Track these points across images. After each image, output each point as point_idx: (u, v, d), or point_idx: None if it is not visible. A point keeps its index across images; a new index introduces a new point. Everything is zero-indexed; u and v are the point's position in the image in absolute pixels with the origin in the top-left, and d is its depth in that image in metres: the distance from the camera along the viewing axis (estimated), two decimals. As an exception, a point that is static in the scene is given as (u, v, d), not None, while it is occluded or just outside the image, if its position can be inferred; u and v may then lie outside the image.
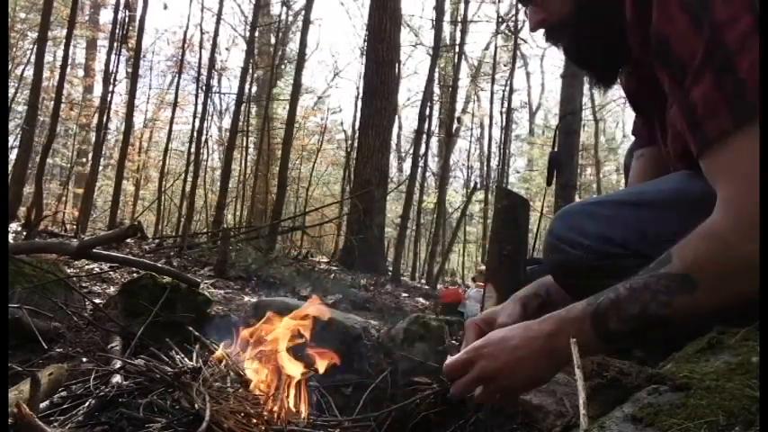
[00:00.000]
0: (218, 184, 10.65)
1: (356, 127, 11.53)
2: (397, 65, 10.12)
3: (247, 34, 11.29)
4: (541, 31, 1.07)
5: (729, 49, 0.77)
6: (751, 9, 0.77)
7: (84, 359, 1.44)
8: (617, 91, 1.29)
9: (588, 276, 1.04)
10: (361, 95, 10.56)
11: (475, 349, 0.91)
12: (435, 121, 15.86)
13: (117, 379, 1.13)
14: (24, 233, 5.60)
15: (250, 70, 10.68)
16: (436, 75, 13.32)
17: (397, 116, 15.18)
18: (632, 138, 1.37)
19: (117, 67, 11.53)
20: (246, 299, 3.35)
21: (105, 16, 18.75)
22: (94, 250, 2.16)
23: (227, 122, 14.85)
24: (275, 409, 1.13)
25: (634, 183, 1.32)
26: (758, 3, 0.77)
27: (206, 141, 13.22)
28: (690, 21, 0.80)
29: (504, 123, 13.32)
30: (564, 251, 1.06)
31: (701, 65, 0.79)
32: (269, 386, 1.21)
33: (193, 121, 11.49)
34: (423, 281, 10.43)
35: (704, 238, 0.81)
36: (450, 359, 0.94)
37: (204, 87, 11.12)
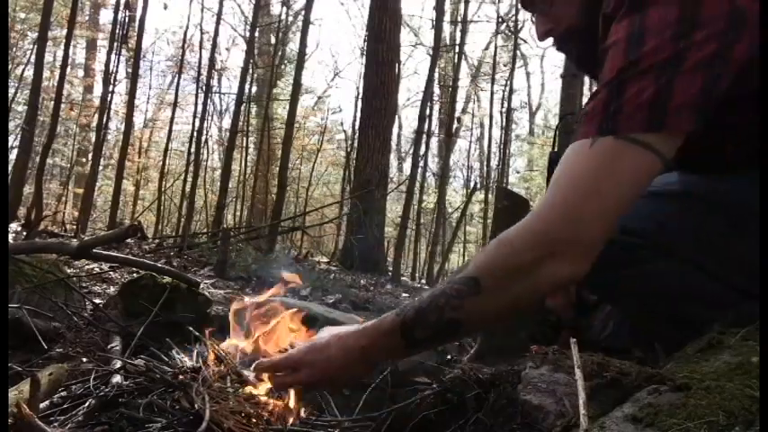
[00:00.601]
0: (218, 184, 10.65)
1: (356, 127, 11.53)
2: (397, 65, 10.11)
3: (247, 34, 11.30)
4: (550, 39, 1.06)
5: (639, 69, 0.78)
6: (673, 41, 0.78)
7: (84, 359, 1.44)
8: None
9: (604, 266, 1.04)
10: (361, 95, 10.56)
11: (297, 356, 0.99)
12: (435, 121, 15.87)
13: (117, 379, 1.13)
14: (24, 233, 5.60)
15: (250, 70, 10.67)
16: (436, 75, 13.30)
17: (397, 116, 15.20)
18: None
19: (117, 67, 11.55)
20: (246, 299, 3.35)
21: (105, 16, 18.75)
22: (95, 250, 2.16)
23: (227, 122, 14.87)
24: (275, 409, 1.13)
25: None
26: (684, 34, 0.77)
27: (206, 141, 13.22)
28: (626, 40, 0.82)
29: (504, 123, 13.32)
30: None
31: (614, 77, 0.81)
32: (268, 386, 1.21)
33: (193, 122, 11.49)
34: (423, 281, 10.42)
35: (498, 242, 0.84)
36: (269, 359, 1.05)
37: (204, 87, 11.13)
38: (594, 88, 1.13)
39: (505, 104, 13.51)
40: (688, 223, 0.96)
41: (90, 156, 11.99)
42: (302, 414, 1.15)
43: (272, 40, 14.64)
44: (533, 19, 1.08)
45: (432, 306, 0.84)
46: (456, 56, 12.30)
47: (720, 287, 0.92)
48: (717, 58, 0.76)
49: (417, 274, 12.57)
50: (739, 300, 0.85)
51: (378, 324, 0.92)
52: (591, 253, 0.80)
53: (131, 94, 10.55)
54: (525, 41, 12.84)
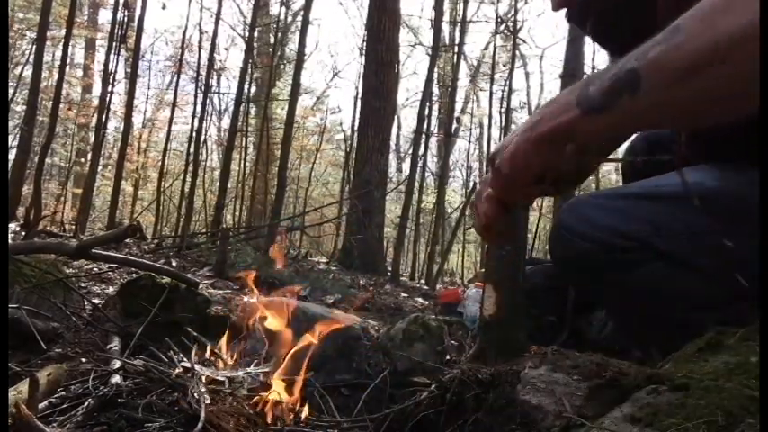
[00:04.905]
0: (218, 184, 10.63)
1: (355, 127, 11.52)
2: (396, 65, 10.11)
3: (246, 34, 11.29)
4: (562, 12, 1.02)
5: None
6: None
7: (83, 359, 1.44)
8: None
9: (597, 269, 1.03)
10: (360, 95, 10.55)
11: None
12: (435, 122, 15.86)
13: (116, 379, 1.13)
14: (23, 233, 5.59)
15: (249, 70, 10.66)
16: (435, 75, 13.29)
17: (396, 116, 15.19)
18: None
19: (116, 67, 11.49)
20: (246, 299, 3.34)
21: (104, 16, 18.71)
22: (93, 250, 2.16)
23: (226, 123, 14.88)
24: (274, 410, 1.12)
25: None
26: None
27: (205, 141, 13.20)
28: None
29: (503, 123, 13.30)
30: (573, 243, 1.04)
31: None
32: (267, 387, 1.21)
33: (192, 122, 11.47)
34: (422, 281, 10.42)
35: None
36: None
37: (203, 87, 11.11)
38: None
39: (505, 104, 13.49)
40: (681, 225, 0.95)
41: (89, 156, 11.98)
42: (302, 415, 1.15)
43: (271, 41, 14.64)
44: None
45: (609, 66, 0.70)
46: (455, 56, 12.29)
47: (715, 288, 0.91)
48: None
49: (417, 274, 12.55)
50: (735, 301, 0.84)
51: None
52: None
53: (130, 93, 10.54)
54: (524, 41, 12.85)
